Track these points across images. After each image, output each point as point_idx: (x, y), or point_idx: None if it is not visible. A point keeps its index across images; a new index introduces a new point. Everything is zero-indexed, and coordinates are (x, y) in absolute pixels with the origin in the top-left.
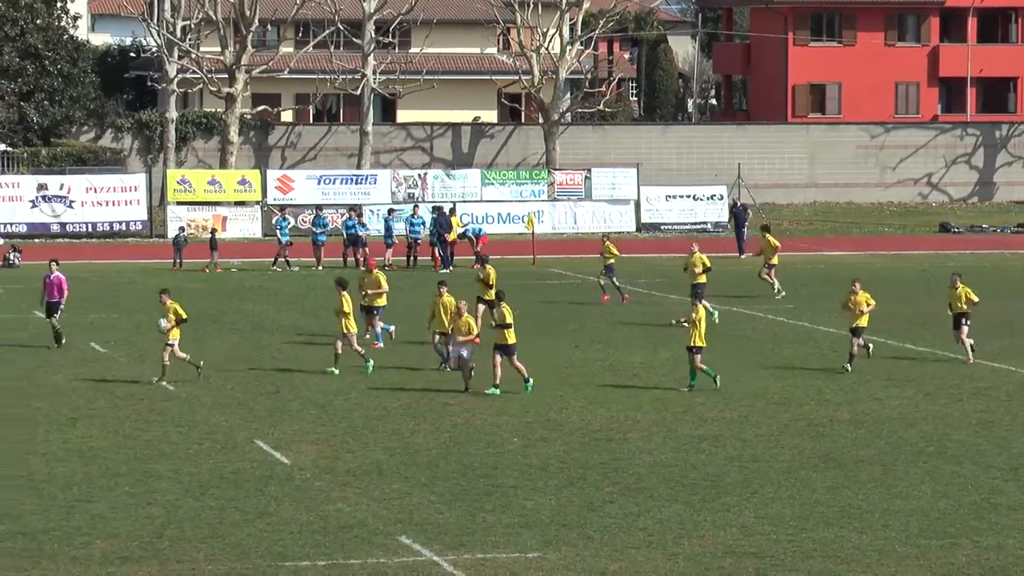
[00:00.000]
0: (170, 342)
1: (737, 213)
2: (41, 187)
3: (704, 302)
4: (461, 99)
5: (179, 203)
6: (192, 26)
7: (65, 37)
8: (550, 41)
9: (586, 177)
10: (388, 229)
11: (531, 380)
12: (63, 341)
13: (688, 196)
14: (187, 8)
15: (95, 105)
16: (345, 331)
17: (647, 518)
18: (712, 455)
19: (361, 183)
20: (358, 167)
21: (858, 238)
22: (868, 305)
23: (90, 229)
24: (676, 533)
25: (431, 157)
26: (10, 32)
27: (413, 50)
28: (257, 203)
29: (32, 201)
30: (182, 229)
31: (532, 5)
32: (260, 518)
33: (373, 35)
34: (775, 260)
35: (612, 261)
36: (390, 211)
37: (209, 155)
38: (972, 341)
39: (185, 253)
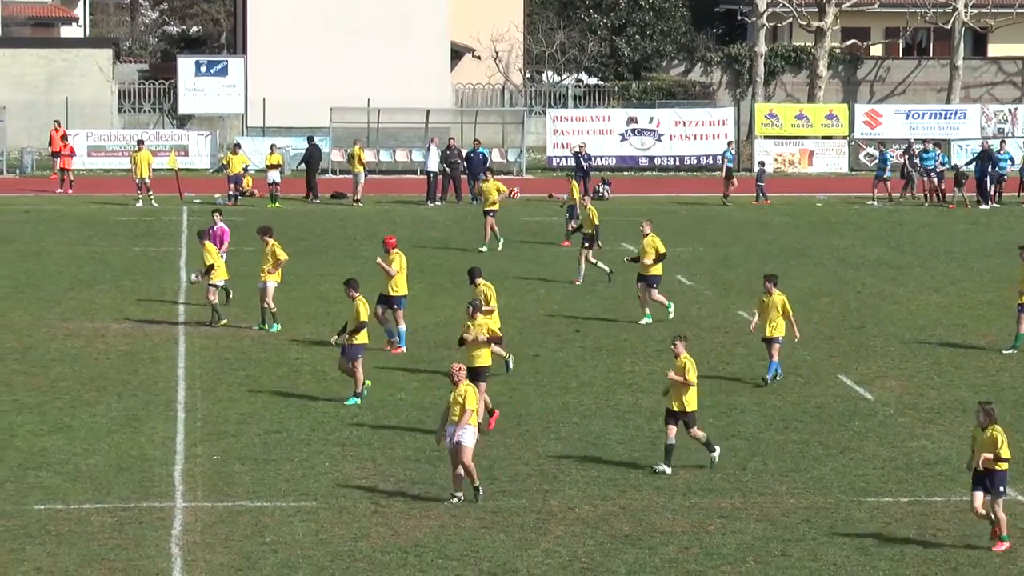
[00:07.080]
0: (213, 283)
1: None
2: (631, 120)
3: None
4: None
5: (766, 137)
6: None
7: None
8: None
9: None
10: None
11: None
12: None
13: None
14: None
15: (685, 39)
16: (264, 279)
17: None
18: None
19: (950, 118)
20: (947, 102)
21: None
22: None
23: (677, 163)
24: None
25: (1022, 92)
26: None
27: None
28: (844, 137)
29: (622, 134)
30: (762, 164)
31: None
32: (843, 453)
33: None
34: (496, 206)
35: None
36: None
37: (797, 89)
38: None
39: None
